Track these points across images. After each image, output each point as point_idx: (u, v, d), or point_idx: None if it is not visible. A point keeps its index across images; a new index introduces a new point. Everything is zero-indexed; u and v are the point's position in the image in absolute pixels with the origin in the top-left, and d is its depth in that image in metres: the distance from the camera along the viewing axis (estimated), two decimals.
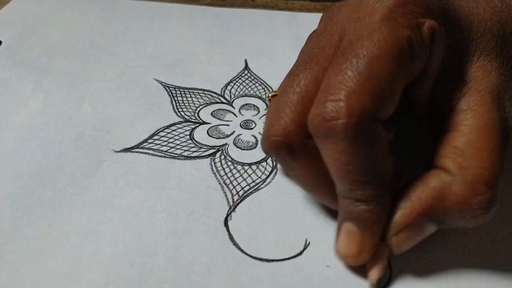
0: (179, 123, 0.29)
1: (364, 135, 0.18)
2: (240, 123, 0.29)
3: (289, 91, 0.21)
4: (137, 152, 0.27)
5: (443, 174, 0.19)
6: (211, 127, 0.29)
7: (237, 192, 0.25)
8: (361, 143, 0.18)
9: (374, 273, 0.20)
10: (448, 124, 0.20)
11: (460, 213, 0.19)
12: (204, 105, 0.31)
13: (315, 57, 0.21)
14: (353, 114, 0.18)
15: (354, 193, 0.19)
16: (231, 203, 0.24)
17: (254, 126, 0.29)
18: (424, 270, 0.21)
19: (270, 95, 0.26)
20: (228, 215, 0.23)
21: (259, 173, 0.26)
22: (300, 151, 0.20)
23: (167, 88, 0.32)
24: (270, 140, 0.21)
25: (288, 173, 0.23)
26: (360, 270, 0.21)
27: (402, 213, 0.20)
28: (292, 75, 0.22)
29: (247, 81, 0.33)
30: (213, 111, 0.30)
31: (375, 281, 0.20)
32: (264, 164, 0.26)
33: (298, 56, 0.23)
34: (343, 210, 0.20)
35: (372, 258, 0.20)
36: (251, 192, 0.25)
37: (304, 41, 0.25)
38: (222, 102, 0.31)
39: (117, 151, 0.27)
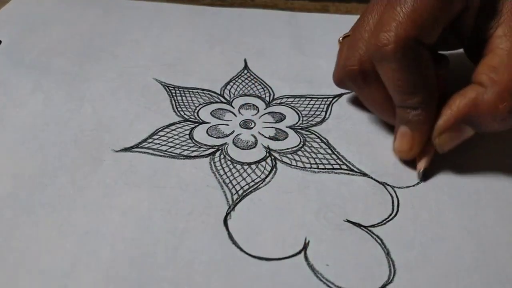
0: (179, 122, 0.29)
1: (409, 56, 0.23)
2: (240, 123, 0.29)
3: (361, 30, 0.26)
4: (136, 151, 0.27)
5: (478, 87, 0.24)
6: (210, 127, 0.29)
7: (237, 192, 0.25)
8: (408, 62, 0.24)
9: (421, 164, 0.26)
10: (487, 48, 0.24)
11: (490, 117, 0.23)
12: (203, 105, 0.31)
13: (380, 0, 0.26)
14: (399, 40, 0.23)
15: (405, 103, 0.25)
16: (230, 202, 0.24)
17: (254, 126, 0.29)
18: (424, 270, 0.21)
19: (341, 37, 0.30)
20: (227, 214, 0.23)
21: (259, 173, 0.26)
22: (372, 76, 0.26)
23: (166, 87, 0.32)
24: (348, 69, 0.27)
25: (362, 98, 0.29)
26: (360, 269, 0.21)
27: (444, 119, 0.25)
28: (362, 17, 0.27)
29: (246, 81, 0.33)
30: (213, 110, 0.30)
31: (421, 171, 0.26)
32: (263, 163, 0.26)
33: (370, 1, 0.28)
34: (398, 117, 0.26)
35: (421, 153, 0.26)
36: (251, 192, 0.25)
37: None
38: (222, 102, 0.31)
39: (117, 151, 0.27)
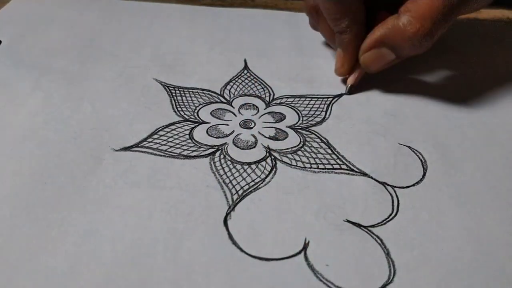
0: (179, 122, 0.29)
1: None
2: (240, 123, 0.29)
3: None
4: (136, 151, 0.27)
5: (397, 16, 0.28)
6: (210, 127, 0.29)
7: (237, 192, 0.25)
8: None
9: (350, 79, 0.32)
10: None
11: (401, 40, 0.28)
12: (203, 105, 0.31)
13: None
14: None
15: (336, 27, 0.31)
16: (230, 202, 0.24)
17: (254, 126, 0.29)
18: (424, 270, 0.21)
19: None
20: (227, 214, 0.23)
21: (259, 173, 0.26)
22: (321, 11, 0.32)
23: (166, 87, 0.32)
24: (306, 5, 0.34)
25: (319, 29, 0.35)
26: (360, 269, 0.21)
27: (366, 41, 0.30)
28: None
29: (246, 81, 0.33)
30: (213, 110, 0.30)
31: (348, 86, 0.32)
32: (263, 163, 0.26)
33: None
34: (336, 42, 0.32)
35: (350, 72, 0.32)
36: (251, 192, 0.25)
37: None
38: (222, 102, 0.31)
39: (117, 150, 0.27)
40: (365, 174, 0.26)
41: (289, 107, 0.31)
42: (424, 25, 0.27)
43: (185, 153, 0.27)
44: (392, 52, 0.29)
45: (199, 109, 0.30)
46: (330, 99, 0.32)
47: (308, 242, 0.22)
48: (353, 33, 0.30)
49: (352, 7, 0.30)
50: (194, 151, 0.27)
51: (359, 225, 0.23)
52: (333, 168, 0.26)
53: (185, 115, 0.30)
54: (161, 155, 0.27)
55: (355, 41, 0.31)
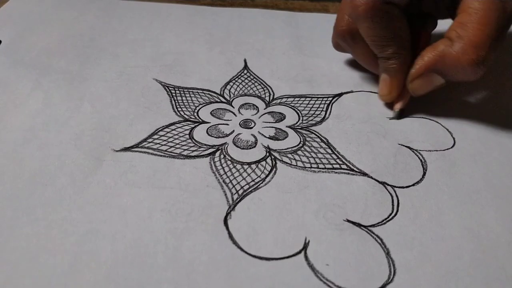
0: (179, 122, 0.29)
1: (379, 15, 0.28)
2: (240, 123, 0.29)
3: None
4: (136, 151, 0.27)
5: (447, 41, 0.27)
6: (210, 127, 0.29)
7: (237, 191, 0.25)
8: (378, 20, 0.28)
9: (398, 105, 0.31)
10: (460, 8, 0.27)
11: (454, 67, 0.27)
12: (203, 105, 0.31)
13: None
14: (369, 1, 0.27)
15: (382, 54, 0.29)
16: (230, 202, 0.24)
17: (254, 126, 0.29)
18: (424, 270, 0.21)
19: None
20: (227, 214, 0.23)
21: (259, 172, 0.26)
22: (357, 35, 0.30)
23: (166, 87, 0.32)
24: (339, 30, 0.31)
25: (353, 55, 0.33)
26: (360, 269, 0.21)
27: (416, 67, 0.29)
28: None
29: (246, 81, 0.33)
30: (213, 110, 0.30)
31: (397, 110, 0.30)
32: (263, 163, 0.26)
33: None
34: (380, 67, 0.30)
35: (398, 97, 0.30)
36: (251, 191, 0.25)
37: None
38: (222, 102, 0.31)
39: (117, 151, 0.27)
40: (365, 174, 0.26)
41: (289, 107, 0.31)
42: (479, 53, 0.26)
43: (185, 153, 0.27)
44: (442, 78, 0.28)
45: (199, 109, 0.30)
46: (330, 98, 0.32)
47: (308, 241, 0.22)
48: (402, 59, 0.29)
49: (400, 32, 0.29)
50: (194, 151, 0.27)
51: (359, 225, 0.23)
52: (333, 168, 0.26)
53: (185, 115, 0.30)
54: (161, 155, 0.27)
55: (403, 67, 0.29)
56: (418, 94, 0.30)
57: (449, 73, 0.28)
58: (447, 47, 0.27)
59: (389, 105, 0.31)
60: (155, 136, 0.28)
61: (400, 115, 0.30)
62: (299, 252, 0.22)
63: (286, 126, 0.29)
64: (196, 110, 0.30)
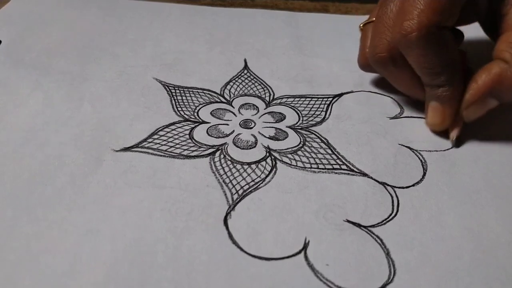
0: (179, 122, 0.29)
1: (433, 41, 0.26)
2: (240, 123, 0.29)
3: (384, 17, 0.28)
4: (136, 151, 0.27)
5: (502, 63, 0.26)
6: (210, 127, 0.29)
7: (237, 191, 0.25)
8: (431, 46, 0.26)
9: (454, 133, 0.28)
10: (505, 24, 0.27)
11: None
12: (203, 105, 0.31)
13: None
14: (422, 27, 0.25)
15: (433, 81, 0.27)
16: (230, 202, 0.24)
17: (254, 126, 0.29)
18: (424, 270, 0.21)
19: (362, 24, 0.33)
20: (227, 214, 0.23)
21: (259, 172, 0.26)
22: (400, 61, 0.28)
23: (166, 87, 0.32)
24: (378, 56, 0.29)
25: (391, 80, 0.31)
26: (360, 269, 0.21)
27: (471, 93, 0.27)
28: (384, 4, 0.29)
29: (246, 81, 0.33)
30: (213, 110, 0.30)
31: (454, 139, 0.28)
32: (263, 163, 0.26)
33: None
34: (428, 95, 0.28)
35: (452, 125, 0.28)
36: (251, 191, 0.25)
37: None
38: (222, 102, 0.31)
39: (117, 151, 0.27)
40: (365, 174, 0.26)
41: (289, 107, 0.31)
42: None
43: (185, 153, 0.27)
44: (496, 101, 0.27)
45: (199, 109, 0.30)
46: (330, 99, 0.32)
47: (308, 241, 0.22)
48: (456, 86, 0.27)
49: (453, 57, 0.27)
50: (194, 151, 0.27)
51: (359, 225, 0.23)
52: (333, 168, 0.26)
53: (185, 115, 0.30)
54: (161, 155, 0.27)
55: (457, 94, 0.27)
56: (471, 119, 0.28)
57: (507, 96, 0.26)
58: (503, 70, 0.26)
59: (389, 105, 0.31)
60: (155, 136, 0.28)
61: (458, 143, 0.28)
62: (299, 252, 0.22)
63: (286, 126, 0.29)
64: (196, 110, 0.30)
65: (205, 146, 0.27)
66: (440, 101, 0.28)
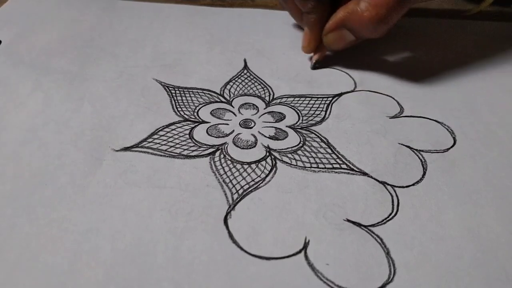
0: (179, 122, 0.29)
1: None
2: (240, 122, 0.29)
3: None
4: (136, 151, 0.27)
5: (357, 1, 0.30)
6: (210, 126, 0.29)
7: (237, 191, 0.25)
8: None
9: (315, 57, 0.35)
10: None
11: (359, 24, 0.31)
12: (203, 104, 0.31)
13: None
14: None
15: (303, 8, 0.33)
16: (230, 201, 0.24)
17: (254, 125, 0.29)
18: (424, 270, 0.21)
19: None
20: (227, 213, 0.23)
21: (259, 172, 0.26)
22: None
23: (166, 87, 0.32)
24: None
25: (288, 11, 0.37)
26: (360, 268, 0.21)
27: (329, 23, 0.33)
28: None
29: (246, 81, 0.33)
30: (213, 110, 0.30)
31: (313, 62, 0.35)
32: (263, 163, 0.26)
33: None
34: (303, 20, 0.34)
35: (316, 50, 0.35)
36: (251, 191, 0.25)
37: None
38: (222, 102, 0.31)
39: (117, 150, 0.27)
40: (365, 174, 0.26)
41: (289, 107, 0.31)
42: (379, 12, 0.29)
43: (185, 153, 0.27)
44: (351, 34, 0.32)
45: (199, 109, 0.30)
46: (330, 98, 0.32)
47: (308, 241, 0.22)
48: (319, 14, 0.33)
49: None
50: (194, 151, 0.27)
51: (359, 225, 0.23)
52: (333, 168, 0.26)
53: (185, 115, 0.30)
54: (161, 155, 0.27)
55: (320, 21, 0.33)
56: (333, 48, 0.34)
57: (355, 29, 0.31)
58: (355, 5, 0.30)
59: (389, 105, 0.31)
60: (155, 136, 0.28)
61: (315, 66, 0.35)
62: (299, 252, 0.22)
63: (286, 126, 0.29)
64: (196, 110, 0.30)
65: (205, 146, 0.27)
66: (308, 26, 0.34)
